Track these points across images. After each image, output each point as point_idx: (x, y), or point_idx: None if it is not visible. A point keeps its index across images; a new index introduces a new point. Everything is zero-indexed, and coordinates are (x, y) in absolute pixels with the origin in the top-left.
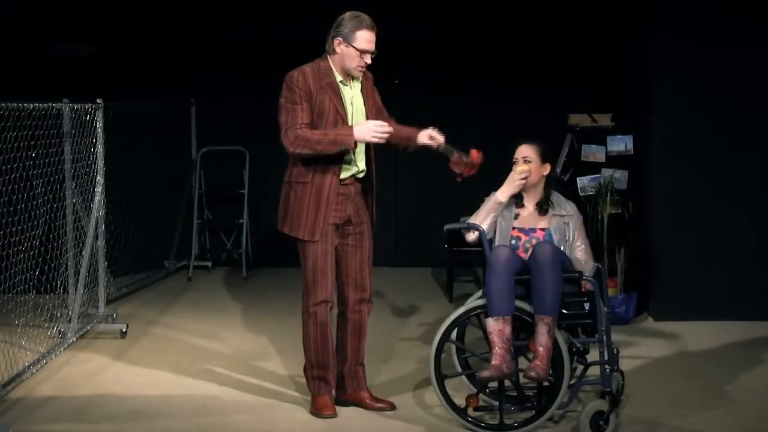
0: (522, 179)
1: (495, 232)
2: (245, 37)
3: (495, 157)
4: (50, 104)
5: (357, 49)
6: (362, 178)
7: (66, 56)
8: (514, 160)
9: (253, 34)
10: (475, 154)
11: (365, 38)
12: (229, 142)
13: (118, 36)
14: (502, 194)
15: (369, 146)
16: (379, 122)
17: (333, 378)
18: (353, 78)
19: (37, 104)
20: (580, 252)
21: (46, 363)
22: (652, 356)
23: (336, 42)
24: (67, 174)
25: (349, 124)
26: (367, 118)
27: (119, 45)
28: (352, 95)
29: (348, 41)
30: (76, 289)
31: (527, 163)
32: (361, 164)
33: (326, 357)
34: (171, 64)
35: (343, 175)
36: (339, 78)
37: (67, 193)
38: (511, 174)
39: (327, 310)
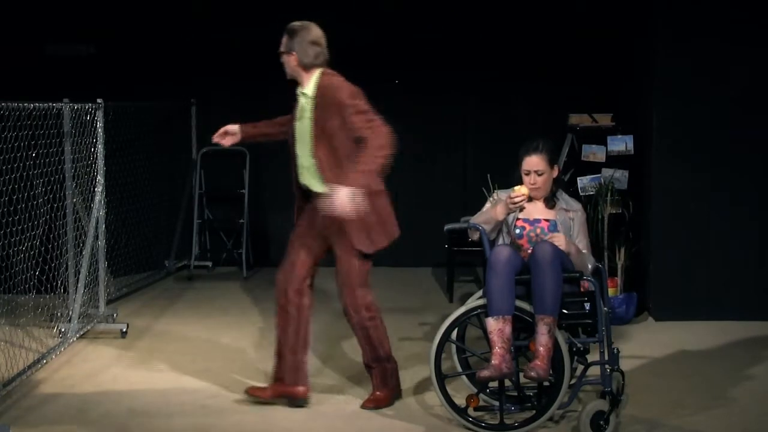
0: (518, 204)
1: (497, 231)
2: (246, 37)
3: (496, 156)
4: (50, 104)
5: None
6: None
7: (66, 56)
8: (525, 172)
9: (254, 35)
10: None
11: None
12: None
13: (119, 36)
14: (501, 213)
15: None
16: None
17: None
18: (303, 87)
19: (37, 104)
20: (580, 246)
21: (46, 363)
22: (653, 356)
23: None
24: (67, 174)
25: (294, 136)
26: (310, 138)
27: (120, 45)
28: (302, 106)
29: None
30: (76, 289)
31: (540, 176)
32: (311, 182)
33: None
34: (171, 64)
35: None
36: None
37: (67, 193)
38: (509, 195)
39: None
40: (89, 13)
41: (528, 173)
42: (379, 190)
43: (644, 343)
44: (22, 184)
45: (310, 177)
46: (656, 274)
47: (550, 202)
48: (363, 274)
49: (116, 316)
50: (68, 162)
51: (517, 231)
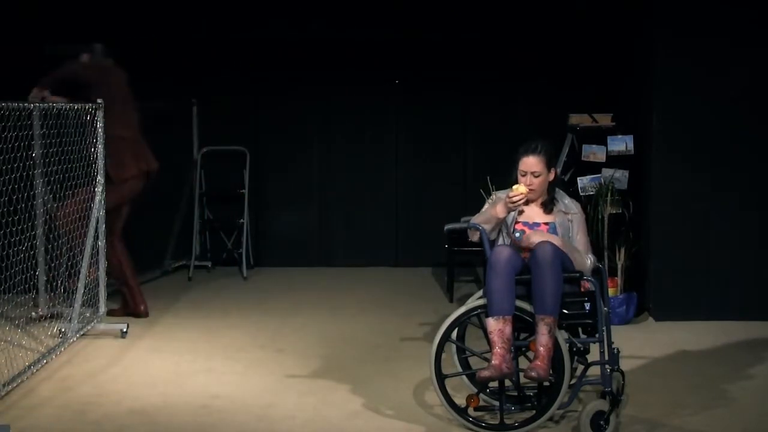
0: (517, 203)
1: (497, 232)
2: (246, 37)
3: (497, 157)
4: (51, 104)
5: None
6: None
7: (66, 56)
8: (522, 173)
9: (255, 35)
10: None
11: None
12: (229, 142)
13: (119, 36)
14: (501, 211)
15: None
16: None
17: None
18: None
19: (38, 104)
20: (580, 246)
21: (46, 363)
22: (653, 356)
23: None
24: (67, 174)
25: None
26: None
27: (120, 45)
28: None
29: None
30: (76, 288)
31: (536, 177)
32: None
33: None
34: (172, 64)
35: None
36: None
37: (68, 192)
38: (508, 194)
39: None
40: (89, 13)
41: (524, 174)
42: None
43: (644, 343)
44: (22, 184)
45: None
46: (656, 274)
47: (549, 206)
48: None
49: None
50: (68, 162)
51: (517, 234)
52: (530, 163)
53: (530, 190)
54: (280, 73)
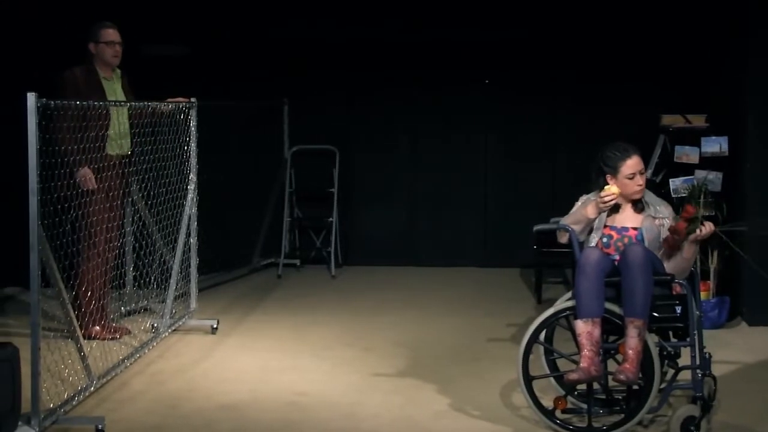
0: (609, 203)
1: (587, 233)
2: (338, 38)
3: (586, 157)
4: (145, 103)
5: (105, 43)
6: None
7: (161, 56)
8: (629, 176)
9: (346, 36)
10: (689, 210)
11: (110, 35)
12: (320, 141)
13: (213, 36)
14: (592, 212)
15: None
16: None
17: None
18: (113, 72)
19: (133, 103)
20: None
21: (139, 357)
22: (746, 361)
23: (90, 46)
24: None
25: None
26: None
27: (213, 45)
28: (114, 89)
29: (97, 40)
30: (168, 285)
31: (642, 175)
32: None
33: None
34: (264, 64)
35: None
36: (102, 75)
37: (161, 190)
38: (599, 194)
39: None
40: (183, 14)
41: (633, 176)
42: None
43: (737, 348)
44: (118, 182)
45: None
46: (750, 278)
47: (639, 204)
48: None
49: (207, 312)
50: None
51: (604, 240)
52: (636, 162)
53: (641, 189)
54: (371, 73)
